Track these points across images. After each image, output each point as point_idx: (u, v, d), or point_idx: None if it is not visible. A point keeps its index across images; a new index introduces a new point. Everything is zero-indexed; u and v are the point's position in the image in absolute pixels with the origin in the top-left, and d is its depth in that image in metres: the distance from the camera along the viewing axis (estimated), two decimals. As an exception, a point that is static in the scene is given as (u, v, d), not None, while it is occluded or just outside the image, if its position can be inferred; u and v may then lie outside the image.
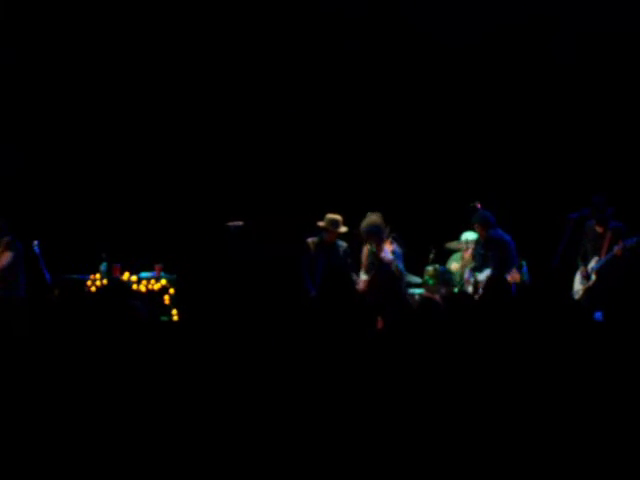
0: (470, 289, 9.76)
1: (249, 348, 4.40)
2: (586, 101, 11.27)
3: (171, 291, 10.44)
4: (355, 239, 9.61)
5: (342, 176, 11.84)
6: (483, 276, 9.65)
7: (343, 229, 9.67)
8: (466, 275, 10.06)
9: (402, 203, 10.37)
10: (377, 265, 9.29)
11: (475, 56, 11.65)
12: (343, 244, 9.78)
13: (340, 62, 12.01)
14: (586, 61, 11.27)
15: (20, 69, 12.13)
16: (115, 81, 12.31)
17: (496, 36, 11.46)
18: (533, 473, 3.56)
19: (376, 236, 9.31)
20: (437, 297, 9.17)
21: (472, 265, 10.00)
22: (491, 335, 4.43)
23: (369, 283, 9.37)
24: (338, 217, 9.72)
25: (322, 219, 9.76)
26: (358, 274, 9.54)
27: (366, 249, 9.45)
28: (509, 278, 9.34)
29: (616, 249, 8.90)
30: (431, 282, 10.28)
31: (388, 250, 9.29)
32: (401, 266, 9.38)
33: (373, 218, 9.37)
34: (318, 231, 9.74)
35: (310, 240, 9.75)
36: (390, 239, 9.37)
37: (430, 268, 10.36)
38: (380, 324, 8.69)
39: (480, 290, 9.50)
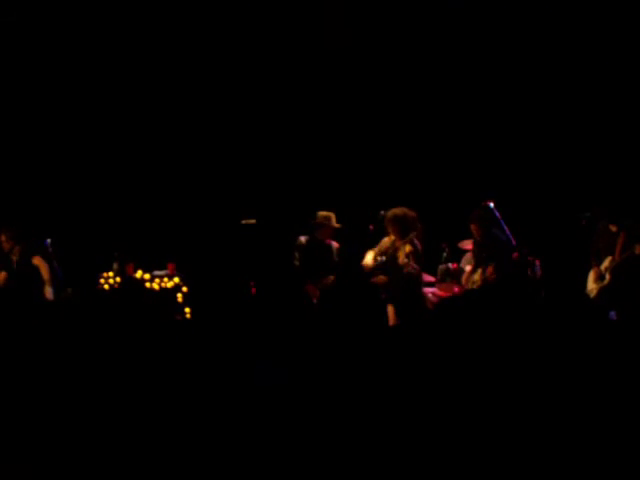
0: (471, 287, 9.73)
1: (260, 346, 4.41)
2: (599, 103, 11.29)
3: (184, 289, 10.43)
4: (373, 232, 9.49)
5: (354, 175, 11.87)
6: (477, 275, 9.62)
7: (336, 225, 9.61)
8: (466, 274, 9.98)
9: (415, 202, 10.36)
10: (392, 264, 9.17)
11: (484, 57, 11.69)
12: (335, 244, 9.69)
13: (345, 66, 12.05)
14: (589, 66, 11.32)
15: (27, 72, 12.20)
16: (126, 83, 12.37)
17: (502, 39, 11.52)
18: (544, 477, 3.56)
19: (397, 228, 9.15)
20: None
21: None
22: (502, 334, 4.43)
23: (385, 282, 9.28)
24: (330, 214, 9.65)
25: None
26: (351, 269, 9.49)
27: (389, 238, 9.25)
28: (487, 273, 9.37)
29: (633, 249, 8.89)
30: (444, 281, 10.28)
31: (406, 250, 9.08)
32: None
33: (401, 210, 9.20)
34: (311, 229, 9.65)
35: (302, 238, 9.66)
36: (409, 241, 9.11)
37: (443, 267, 10.34)
38: (392, 319, 8.71)
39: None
